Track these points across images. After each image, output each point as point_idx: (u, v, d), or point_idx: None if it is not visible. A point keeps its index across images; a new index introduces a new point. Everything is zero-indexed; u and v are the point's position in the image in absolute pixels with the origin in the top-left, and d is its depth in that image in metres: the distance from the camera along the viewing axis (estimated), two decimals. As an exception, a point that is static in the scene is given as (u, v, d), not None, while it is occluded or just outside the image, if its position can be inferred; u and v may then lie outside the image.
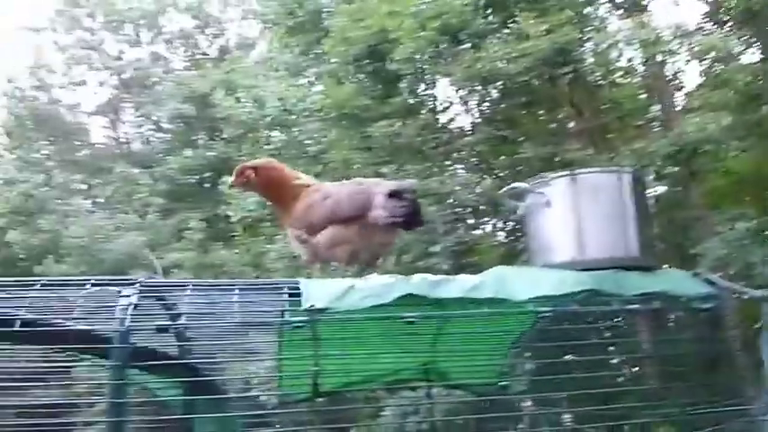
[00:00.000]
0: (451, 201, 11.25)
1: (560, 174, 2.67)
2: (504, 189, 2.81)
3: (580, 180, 2.61)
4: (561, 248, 2.61)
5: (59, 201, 19.19)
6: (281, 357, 2.83)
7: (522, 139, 11.99)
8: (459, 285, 2.31)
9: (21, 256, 18.42)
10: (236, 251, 16.48)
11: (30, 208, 18.72)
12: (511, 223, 13.29)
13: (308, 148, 14.43)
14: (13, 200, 18.60)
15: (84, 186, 21.87)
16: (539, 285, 2.32)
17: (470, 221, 12.68)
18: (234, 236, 16.20)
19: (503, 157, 12.60)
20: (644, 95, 12.87)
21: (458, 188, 11.45)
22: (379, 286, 2.30)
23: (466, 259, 12.08)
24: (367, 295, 2.25)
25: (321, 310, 2.19)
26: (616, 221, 2.58)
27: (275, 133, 14.71)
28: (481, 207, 11.91)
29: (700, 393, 2.53)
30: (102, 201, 20.88)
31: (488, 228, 14.46)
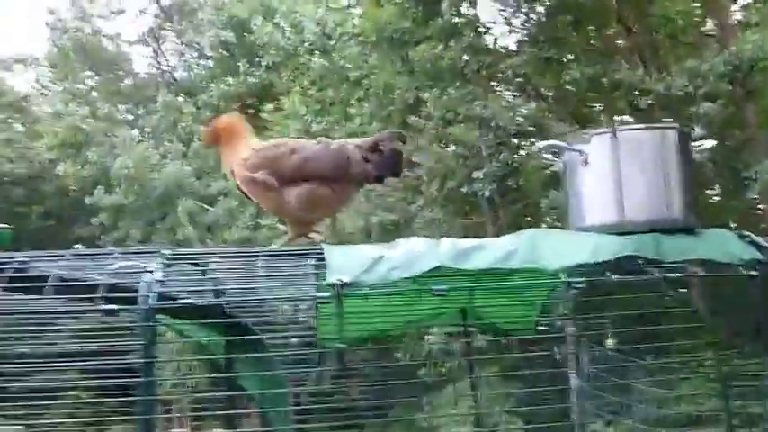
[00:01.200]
0: (494, 125, 10.99)
1: (600, 131, 2.54)
2: (541, 146, 2.70)
3: (621, 137, 2.47)
4: (599, 210, 2.49)
5: (106, 133, 19.42)
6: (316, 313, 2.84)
7: (569, 59, 11.58)
8: (490, 255, 2.23)
9: (72, 187, 18.84)
10: (281, 178, 16.55)
11: (78, 140, 19.00)
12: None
13: (348, 74, 14.22)
14: (62, 133, 18.88)
15: (130, 117, 22.06)
16: (572, 252, 2.23)
17: (514, 141, 12.39)
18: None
19: (548, 79, 12.23)
20: (698, 10, 12.23)
21: (502, 111, 11.17)
22: (408, 255, 2.24)
23: (510, 181, 11.88)
24: (395, 266, 2.19)
25: (347, 284, 2.13)
26: (658, 182, 2.44)
27: (315, 59, 14.49)
28: (528, 128, 11.62)
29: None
30: (149, 130, 21.06)
31: (534, 149, 14.15)
